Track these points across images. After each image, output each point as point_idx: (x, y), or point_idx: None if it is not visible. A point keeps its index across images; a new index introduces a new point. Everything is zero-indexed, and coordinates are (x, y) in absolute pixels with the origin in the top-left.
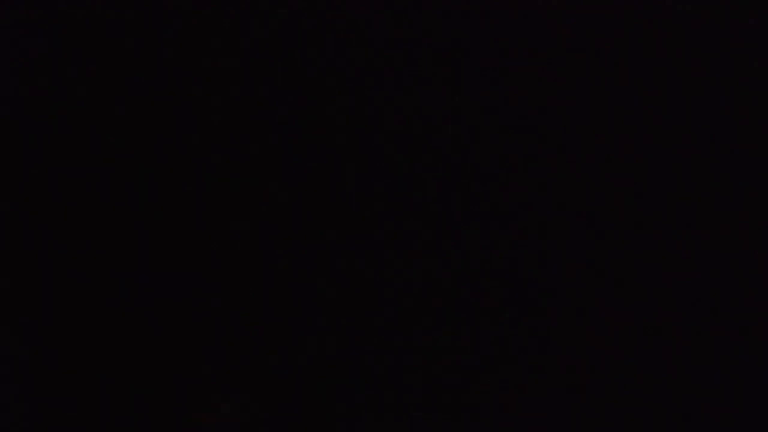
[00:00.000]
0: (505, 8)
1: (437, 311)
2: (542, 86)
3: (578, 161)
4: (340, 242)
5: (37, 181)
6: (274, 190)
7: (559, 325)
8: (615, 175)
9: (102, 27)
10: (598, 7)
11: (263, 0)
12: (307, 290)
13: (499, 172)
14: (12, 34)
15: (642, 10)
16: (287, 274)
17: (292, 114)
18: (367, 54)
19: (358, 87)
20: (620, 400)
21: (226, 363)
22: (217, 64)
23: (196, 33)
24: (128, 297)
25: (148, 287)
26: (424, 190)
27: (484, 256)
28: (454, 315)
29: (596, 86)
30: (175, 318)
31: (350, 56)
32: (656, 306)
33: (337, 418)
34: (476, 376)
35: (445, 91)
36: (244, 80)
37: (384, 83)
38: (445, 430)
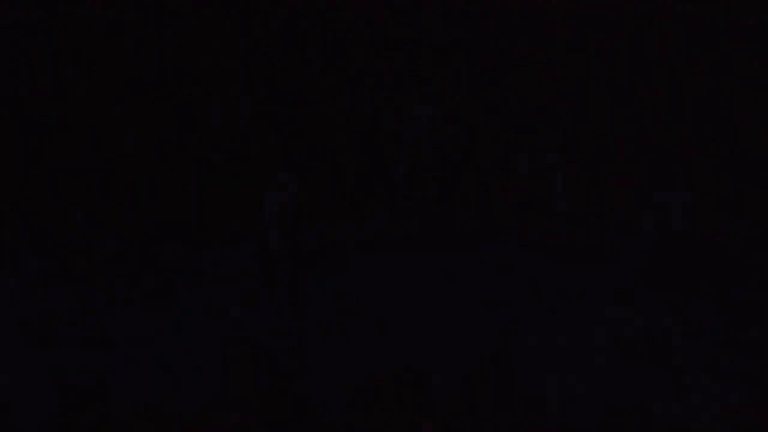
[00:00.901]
0: (505, 8)
1: None
2: (542, 86)
3: (578, 161)
4: None
5: (36, 181)
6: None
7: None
8: (615, 175)
9: (102, 27)
10: (598, 7)
11: (263, 0)
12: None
13: (499, 171)
14: (12, 34)
15: (642, 11)
16: None
17: (292, 113)
18: (368, 54)
19: (358, 87)
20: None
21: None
22: (216, 64)
23: (196, 33)
24: None
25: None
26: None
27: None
28: None
29: (596, 86)
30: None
31: (350, 56)
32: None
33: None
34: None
35: (445, 91)
36: (243, 80)
37: (384, 83)
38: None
